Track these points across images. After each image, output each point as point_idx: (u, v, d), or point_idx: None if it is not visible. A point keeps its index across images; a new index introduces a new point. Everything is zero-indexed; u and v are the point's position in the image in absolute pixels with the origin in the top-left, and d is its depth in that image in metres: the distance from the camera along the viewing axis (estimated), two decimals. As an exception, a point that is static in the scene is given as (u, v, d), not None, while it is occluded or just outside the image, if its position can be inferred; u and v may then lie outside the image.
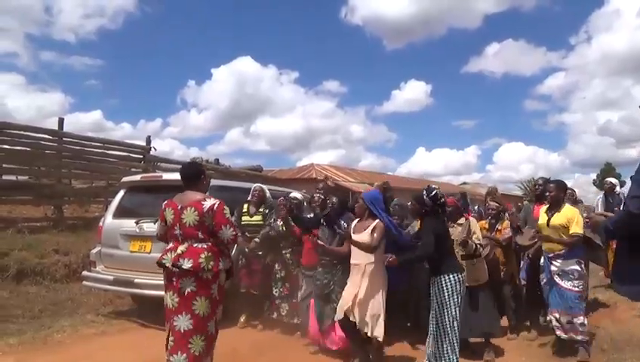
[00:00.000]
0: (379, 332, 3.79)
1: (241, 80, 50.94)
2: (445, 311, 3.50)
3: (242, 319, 5.28)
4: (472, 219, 4.57)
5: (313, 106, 57.02)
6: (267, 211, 5.45)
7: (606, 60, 58.40)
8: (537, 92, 56.90)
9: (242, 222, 5.33)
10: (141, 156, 10.19)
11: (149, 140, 10.48)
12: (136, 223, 5.26)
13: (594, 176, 40.64)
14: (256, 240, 5.20)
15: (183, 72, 55.33)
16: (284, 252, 5.11)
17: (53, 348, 4.39)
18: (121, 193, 5.92)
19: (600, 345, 4.28)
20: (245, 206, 5.51)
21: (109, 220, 5.70)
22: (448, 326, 3.49)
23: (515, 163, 52.55)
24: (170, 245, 3.05)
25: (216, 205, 2.98)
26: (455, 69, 55.54)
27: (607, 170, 34.53)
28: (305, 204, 5.45)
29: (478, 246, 4.33)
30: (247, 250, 5.23)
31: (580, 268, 4.11)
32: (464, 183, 30.12)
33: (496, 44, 56.59)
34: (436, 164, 50.96)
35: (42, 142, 8.35)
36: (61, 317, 5.39)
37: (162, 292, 3.08)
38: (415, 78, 66.12)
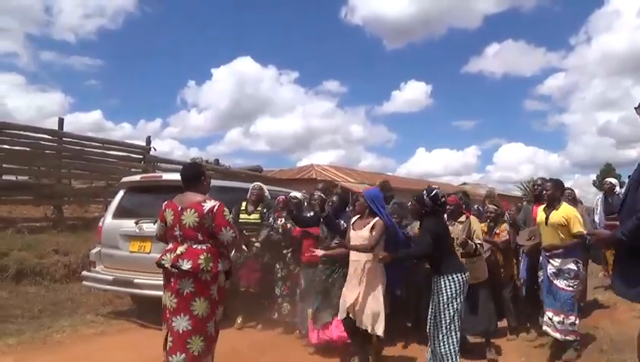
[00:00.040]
0: (379, 329, 3.80)
1: (241, 80, 50.87)
2: (445, 311, 3.50)
3: (239, 321, 5.26)
4: (473, 218, 4.58)
5: (313, 106, 56.96)
6: (265, 210, 5.46)
7: (606, 60, 58.29)
8: (537, 92, 56.78)
9: (240, 220, 5.32)
10: (141, 156, 10.20)
11: (148, 140, 10.49)
12: (136, 223, 5.26)
13: (594, 176, 40.63)
14: (257, 244, 5.22)
15: (183, 72, 55.21)
16: (284, 251, 5.12)
17: (53, 348, 4.40)
18: (121, 193, 5.93)
19: (599, 345, 4.28)
20: (244, 204, 5.52)
21: (108, 220, 5.71)
22: (447, 326, 3.48)
23: (515, 163, 52.53)
24: (170, 246, 3.05)
25: (216, 207, 2.98)
26: (455, 69, 55.41)
27: (607, 170, 34.50)
28: (305, 203, 5.46)
29: (478, 245, 4.33)
30: (249, 255, 5.23)
31: (576, 268, 4.12)
32: (464, 184, 30.10)
33: (496, 45, 56.47)
34: (436, 165, 50.92)
35: (42, 142, 8.37)
36: (60, 317, 5.40)
37: (162, 293, 3.08)
38: (415, 79, 66.05)
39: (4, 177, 8.03)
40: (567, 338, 4.08)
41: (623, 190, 2.72)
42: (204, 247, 2.95)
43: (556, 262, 4.14)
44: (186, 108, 55.24)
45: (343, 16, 54.33)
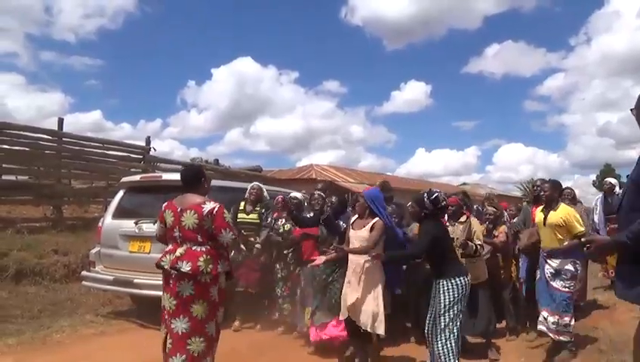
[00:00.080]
0: (380, 328, 3.80)
1: (241, 80, 50.83)
2: (445, 314, 3.48)
3: (236, 323, 5.21)
4: (473, 219, 4.58)
5: (313, 107, 56.90)
6: (264, 211, 5.45)
7: (606, 61, 58.21)
8: (537, 93, 56.71)
9: (238, 220, 5.31)
10: (141, 156, 10.19)
11: (148, 140, 10.49)
12: (136, 223, 5.26)
13: (593, 177, 40.58)
14: (258, 246, 5.21)
15: (183, 72, 55.20)
16: (285, 252, 5.11)
17: (52, 348, 4.40)
18: (121, 193, 5.92)
19: (599, 346, 4.29)
20: (242, 204, 5.51)
21: (108, 220, 5.71)
22: (447, 329, 3.47)
23: (515, 164, 52.47)
24: (169, 247, 3.04)
25: (215, 209, 2.97)
26: (455, 69, 55.37)
27: (607, 171, 34.48)
28: (304, 203, 5.46)
29: (479, 246, 4.33)
30: (249, 255, 5.21)
31: (573, 269, 4.11)
32: (464, 184, 30.14)
33: (496, 45, 56.44)
34: (436, 165, 50.86)
35: (42, 143, 8.37)
36: (60, 318, 5.40)
37: (161, 293, 3.07)
38: (415, 79, 66.07)
39: (4, 177, 8.02)
40: (561, 338, 4.09)
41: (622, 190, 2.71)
42: (204, 249, 2.94)
43: (555, 262, 4.14)
44: (186, 108, 55.27)
45: (343, 16, 54.37)
